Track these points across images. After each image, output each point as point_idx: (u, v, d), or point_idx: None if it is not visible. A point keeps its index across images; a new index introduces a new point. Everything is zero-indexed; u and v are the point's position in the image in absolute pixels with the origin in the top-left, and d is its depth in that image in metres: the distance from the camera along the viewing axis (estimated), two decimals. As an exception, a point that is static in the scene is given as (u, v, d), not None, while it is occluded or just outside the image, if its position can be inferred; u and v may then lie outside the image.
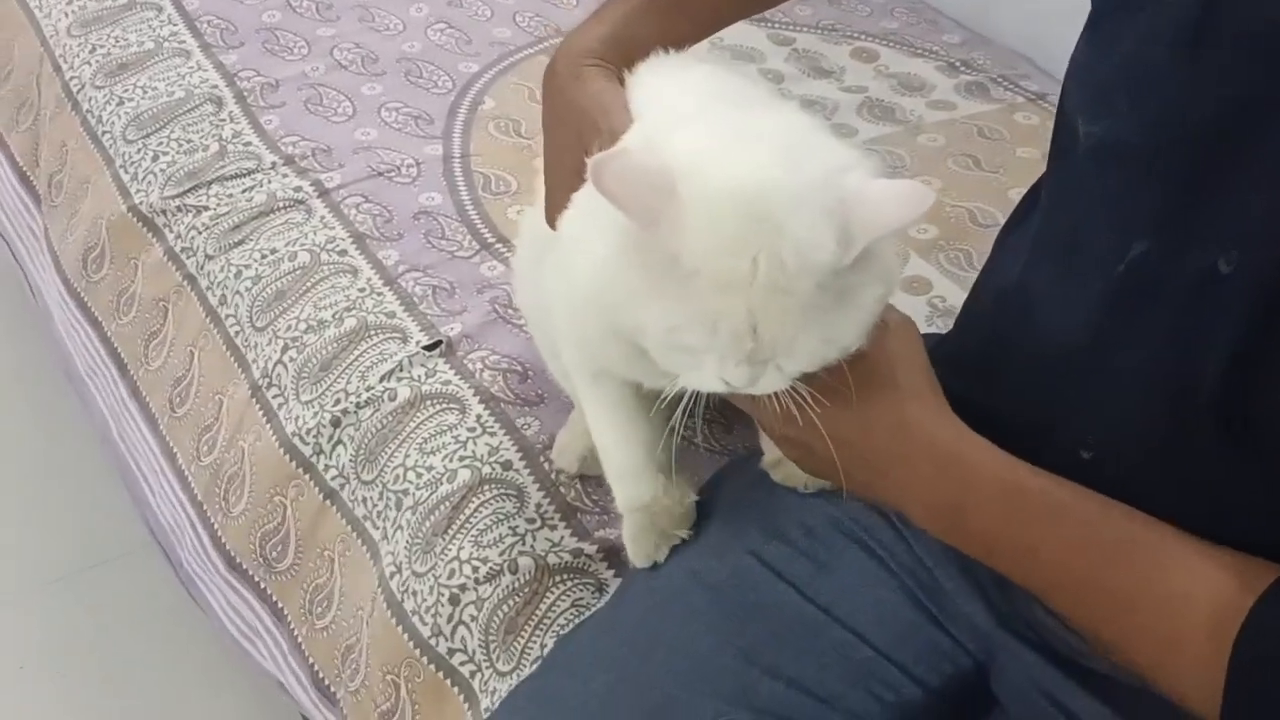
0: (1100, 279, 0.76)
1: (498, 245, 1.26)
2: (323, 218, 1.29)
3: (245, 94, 1.43)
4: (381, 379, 1.14)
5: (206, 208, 1.32)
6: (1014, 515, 0.74)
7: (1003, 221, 1.48)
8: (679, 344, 0.71)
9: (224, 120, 1.41)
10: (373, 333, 1.18)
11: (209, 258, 1.29)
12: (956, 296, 1.31)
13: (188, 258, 1.31)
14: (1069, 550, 0.72)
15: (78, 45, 1.52)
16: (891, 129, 1.58)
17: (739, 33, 1.69)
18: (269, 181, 1.33)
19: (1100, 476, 0.73)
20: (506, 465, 1.06)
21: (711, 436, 1.08)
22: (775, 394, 0.73)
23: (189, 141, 1.38)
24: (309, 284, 1.23)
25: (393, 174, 1.34)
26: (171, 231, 1.33)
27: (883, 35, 1.78)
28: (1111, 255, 0.75)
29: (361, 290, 1.22)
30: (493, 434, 1.08)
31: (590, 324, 0.80)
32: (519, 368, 1.13)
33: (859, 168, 0.73)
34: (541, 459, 1.06)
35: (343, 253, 1.26)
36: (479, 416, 1.10)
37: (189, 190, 1.34)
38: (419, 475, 1.07)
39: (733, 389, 0.73)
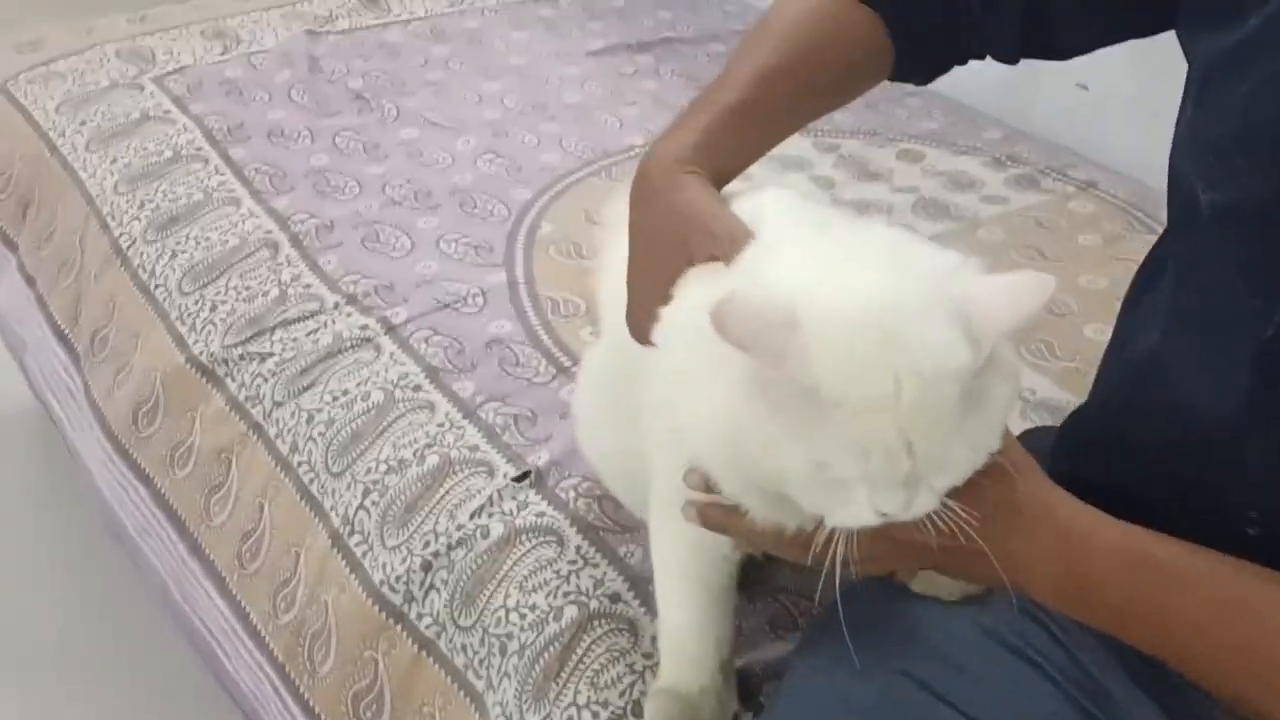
0: (1246, 346, 0.72)
1: (573, 369, 1.22)
2: (392, 354, 1.26)
3: (300, 237, 1.41)
4: (472, 516, 1.09)
5: (271, 354, 1.28)
6: (1142, 581, 0.71)
7: (1077, 309, 1.44)
8: (829, 480, 0.68)
9: (282, 264, 1.38)
10: (457, 468, 1.13)
11: (277, 404, 1.25)
12: (1044, 388, 1.27)
13: (253, 406, 1.27)
14: (1202, 614, 0.70)
15: (126, 202, 1.51)
16: (949, 226, 1.56)
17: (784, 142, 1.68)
18: (333, 322, 1.30)
19: (1271, 551, 0.69)
20: (615, 598, 1.00)
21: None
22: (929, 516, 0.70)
23: (248, 289, 1.36)
24: (385, 423, 1.19)
25: (459, 305, 1.31)
26: (234, 380, 1.29)
27: (925, 136, 1.77)
28: (1256, 321, 0.71)
29: (440, 425, 1.17)
30: (596, 565, 1.03)
31: (721, 478, 0.76)
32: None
33: (966, 267, 0.71)
34: (651, 587, 1.00)
35: (417, 388, 1.22)
36: (579, 548, 1.05)
37: (251, 338, 1.31)
38: (522, 616, 1.01)
39: (888, 518, 0.69)
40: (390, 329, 1.28)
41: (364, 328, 1.29)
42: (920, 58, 0.94)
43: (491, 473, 1.12)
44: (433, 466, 1.14)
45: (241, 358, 1.30)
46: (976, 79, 1.07)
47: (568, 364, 1.23)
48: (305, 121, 1.62)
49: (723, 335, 0.66)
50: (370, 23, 1.85)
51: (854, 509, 0.69)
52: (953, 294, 0.68)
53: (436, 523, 1.10)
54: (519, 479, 1.11)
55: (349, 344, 1.27)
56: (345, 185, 1.50)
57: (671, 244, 0.80)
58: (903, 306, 0.67)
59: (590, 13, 1.90)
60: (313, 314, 1.31)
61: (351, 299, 1.32)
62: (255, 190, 1.49)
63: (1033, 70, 0.96)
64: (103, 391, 1.44)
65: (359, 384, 1.23)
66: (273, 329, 1.31)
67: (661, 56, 1.78)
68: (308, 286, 1.35)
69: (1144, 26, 0.86)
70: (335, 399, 1.22)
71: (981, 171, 1.69)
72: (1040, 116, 1.86)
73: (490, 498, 1.10)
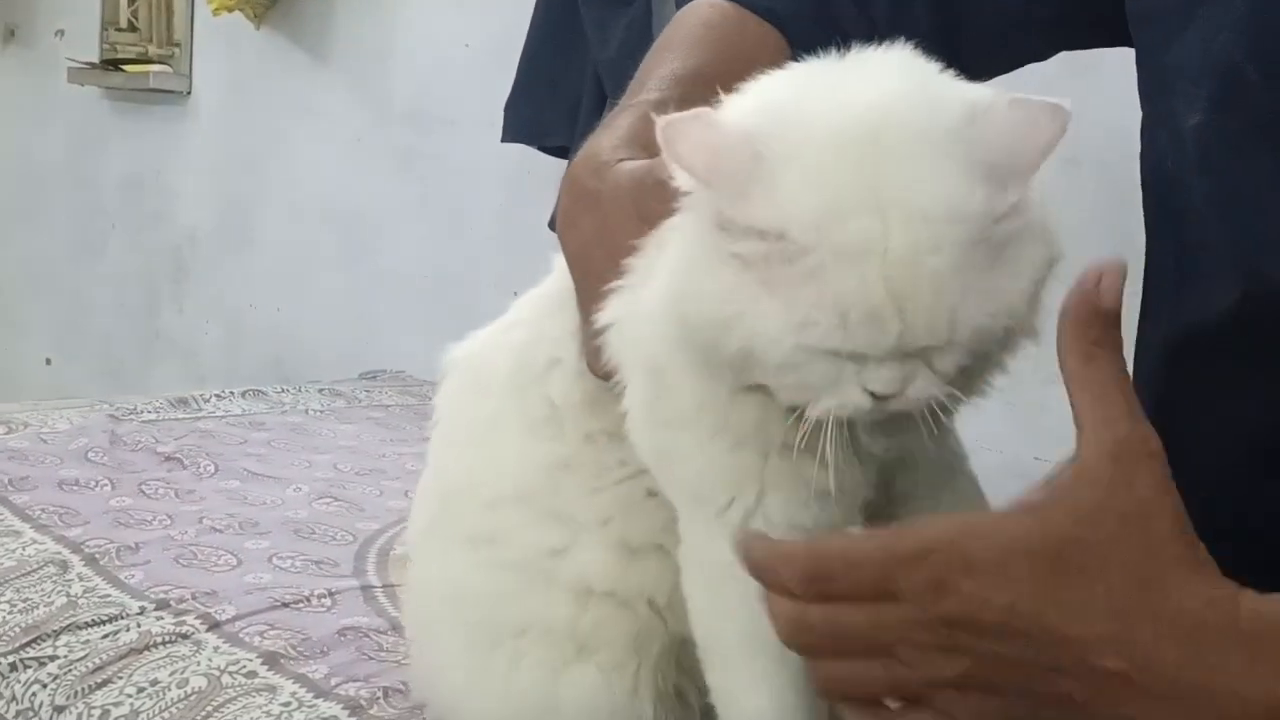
0: None
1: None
2: (217, 647, 1.00)
3: (97, 557, 1.16)
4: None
5: (54, 657, 1.00)
6: None
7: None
8: (814, 354, 0.54)
9: (72, 580, 1.12)
10: (315, 744, 0.86)
11: (58, 710, 0.95)
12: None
13: (23, 721, 0.96)
14: None
15: None
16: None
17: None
18: (138, 625, 1.04)
19: None
20: None
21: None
22: None
23: (25, 600, 1.09)
24: (210, 708, 0.92)
25: (301, 604, 1.07)
26: (1, 696, 0.99)
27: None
28: None
29: (286, 704, 0.91)
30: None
31: (685, 387, 0.61)
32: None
33: (997, 99, 0.57)
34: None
35: (251, 674, 0.95)
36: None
37: (27, 644, 1.02)
38: None
39: (880, 402, 0.55)
40: (214, 625, 1.03)
41: (179, 623, 1.03)
42: None
43: (361, 743, 0.86)
44: (280, 744, 0.86)
45: (13, 667, 1.01)
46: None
47: (445, 647, 1.00)
48: (105, 474, 1.40)
49: (671, 154, 0.55)
50: (180, 416, 1.69)
51: (841, 390, 0.54)
52: (972, 116, 0.55)
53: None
54: (400, 742, 0.85)
55: (159, 639, 1.01)
56: (153, 518, 1.28)
57: (621, 221, 0.66)
58: (898, 125, 0.54)
59: (421, 415, 1.80)
60: (111, 618, 1.05)
61: (162, 604, 1.07)
62: (40, 524, 1.25)
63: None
64: None
65: (174, 674, 0.96)
66: (57, 633, 1.03)
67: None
68: (105, 597, 1.09)
69: (1066, 38, 0.85)
70: (140, 690, 0.95)
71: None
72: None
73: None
